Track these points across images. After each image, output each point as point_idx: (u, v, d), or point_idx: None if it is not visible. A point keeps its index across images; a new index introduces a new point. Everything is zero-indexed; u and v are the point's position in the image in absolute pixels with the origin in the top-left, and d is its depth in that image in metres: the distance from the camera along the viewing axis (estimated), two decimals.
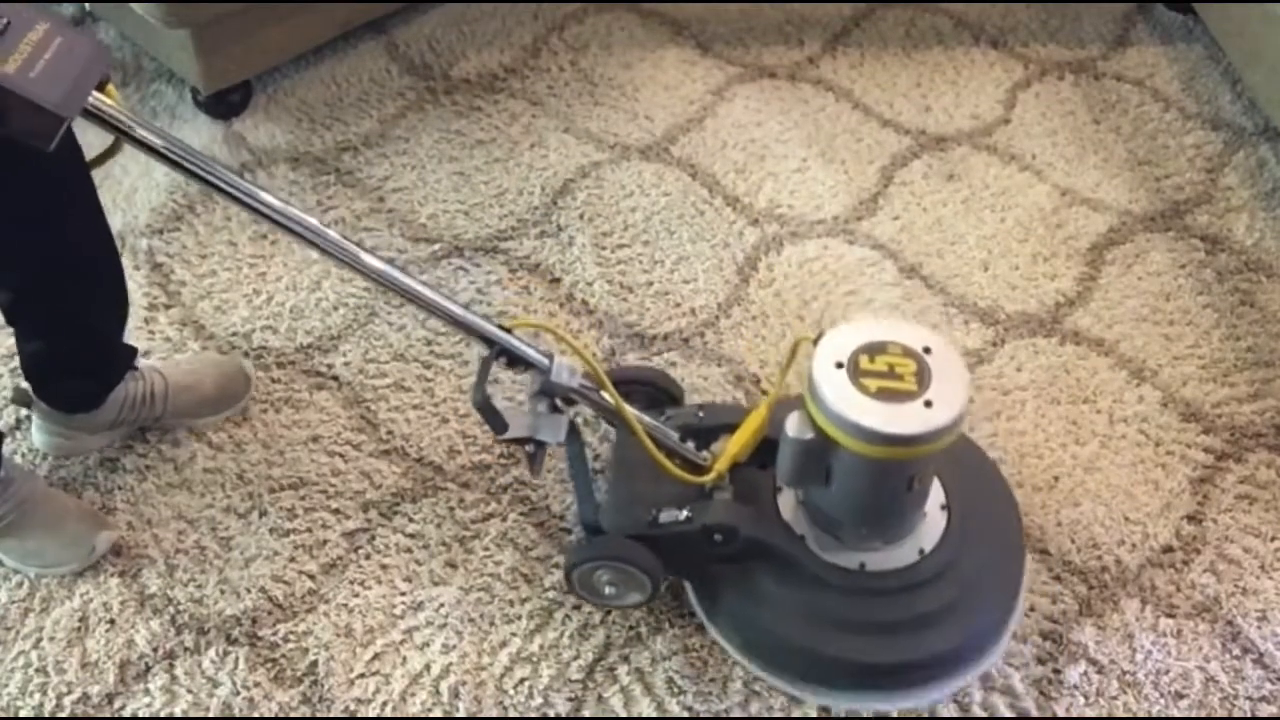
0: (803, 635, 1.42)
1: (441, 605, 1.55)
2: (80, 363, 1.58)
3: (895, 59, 2.42)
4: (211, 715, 1.45)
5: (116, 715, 1.45)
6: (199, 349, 1.84)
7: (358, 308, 1.91)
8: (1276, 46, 2.13)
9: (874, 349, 1.30)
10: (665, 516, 1.43)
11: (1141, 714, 1.47)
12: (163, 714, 1.45)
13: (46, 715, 1.45)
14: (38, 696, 1.47)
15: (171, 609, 1.54)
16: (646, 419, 1.45)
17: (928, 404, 1.26)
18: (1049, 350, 1.87)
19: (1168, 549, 1.63)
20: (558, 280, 1.96)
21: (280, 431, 1.73)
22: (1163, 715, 1.47)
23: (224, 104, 2.22)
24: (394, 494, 1.67)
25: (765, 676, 1.47)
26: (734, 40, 2.44)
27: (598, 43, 2.42)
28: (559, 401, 1.41)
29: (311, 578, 1.57)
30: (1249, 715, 1.47)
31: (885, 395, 1.27)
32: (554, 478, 1.69)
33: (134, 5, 2.00)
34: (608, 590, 1.48)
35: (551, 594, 1.57)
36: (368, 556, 1.60)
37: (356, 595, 1.56)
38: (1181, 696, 1.48)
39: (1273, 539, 1.64)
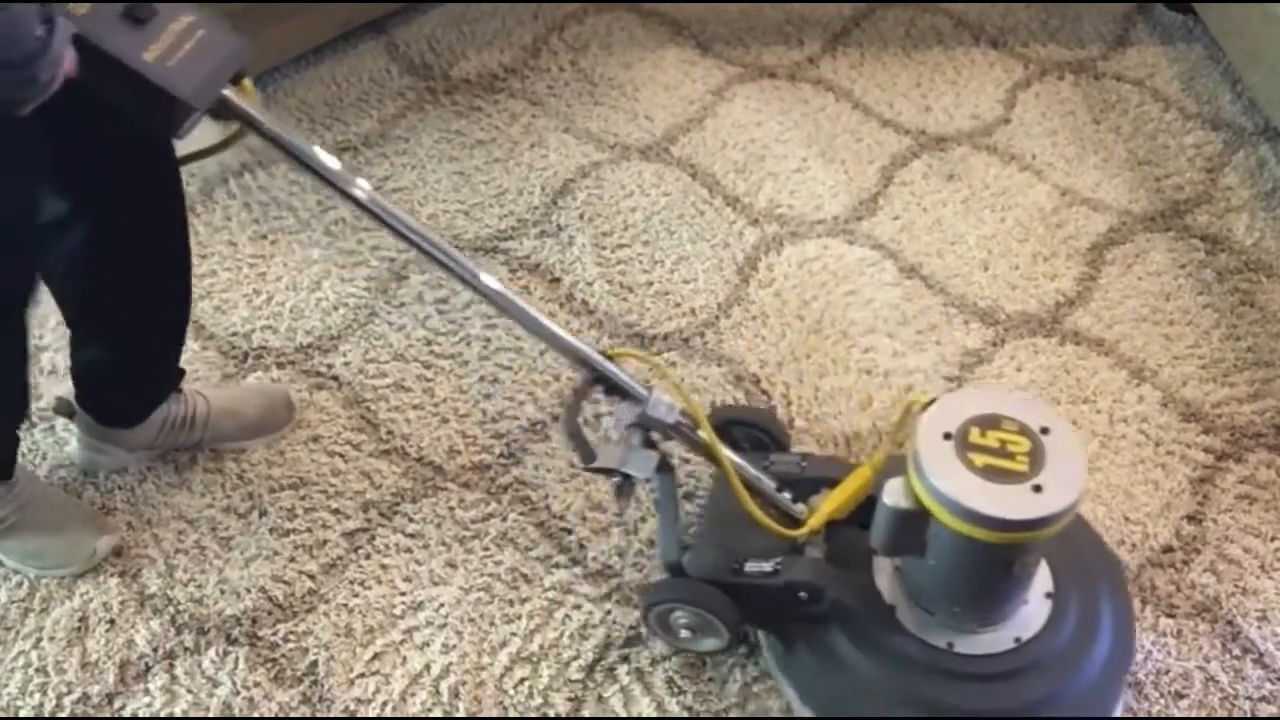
0: (877, 709, 1.34)
1: (441, 605, 1.55)
2: (131, 377, 1.58)
3: (895, 59, 2.42)
4: (211, 715, 1.45)
5: (116, 715, 1.45)
6: (199, 349, 1.84)
7: (358, 308, 1.91)
8: (1276, 46, 2.13)
9: (988, 422, 1.23)
10: (751, 567, 1.38)
11: (1142, 714, 1.46)
12: (163, 714, 1.45)
13: (46, 715, 1.45)
14: (38, 696, 1.47)
15: (171, 609, 1.54)
16: (744, 464, 1.40)
17: (1036, 488, 1.17)
18: (1049, 350, 1.87)
19: (1168, 549, 1.63)
20: (558, 280, 1.96)
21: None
22: (1163, 715, 1.47)
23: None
24: (394, 494, 1.67)
25: None
26: (734, 40, 2.45)
27: (598, 43, 2.42)
28: (652, 436, 1.36)
29: (311, 578, 1.57)
30: (1249, 715, 1.47)
31: (992, 474, 1.19)
32: (554, 477, 1.69)
33: None
34: (683, 633, 1.45)
35: (551, 594, 1.57)
36: (368, 556, 1.60)
37: (356, 595, 1.56)
38: (1181, 696, 1.48)
39: (1273, 539, 1.64)
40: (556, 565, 1.60)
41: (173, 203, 1.46)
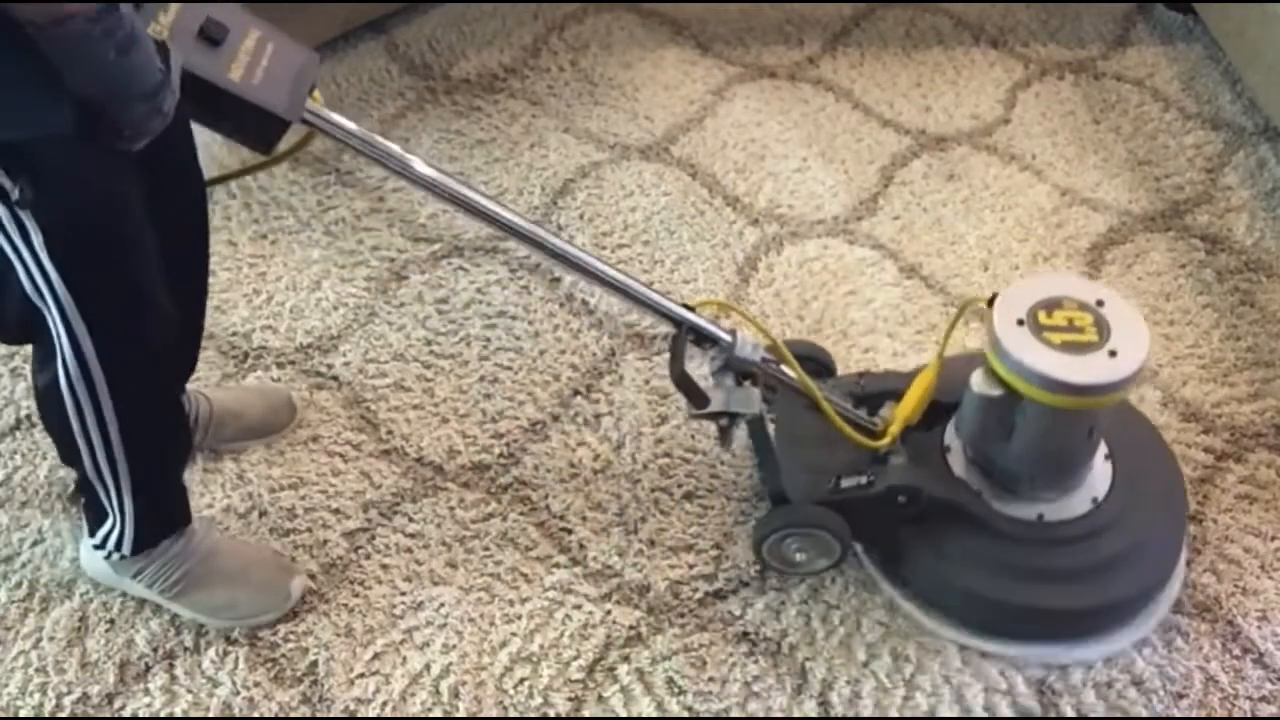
0: (989, 588, 1.45)
1: (441, 605, 1.55)
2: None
3: (895, 59, 2.42)
4: (211, 715, 1.45)
5: (116, 715, 1.45)
6: None
7: (358, 308, 1.91)
8: (1276, 46, 2.13)
9: (1051, 304, 1.36)
10: (847, 482, 1.48)
11: (1142, 714, 1.46)
12: (163, 714, 1.45)
13: (46, 715, 1.45)
14: (38, 696, 1.47)
15: (171, 609, 1.54)
16: (825, 389, 1.50)
17: (1112, 354, 1.32)
18: None
19: None
20: (558, 280, 1.96)
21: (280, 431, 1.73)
22: (1163, 715, 1.47)
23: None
24: (394, 494, 1.67)
25: (950, 634, 1.51)
26: (734, 40, 2.45)
27: (598, 43, 2.42)
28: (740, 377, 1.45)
29: (312, 577, 1.57)
30: (1249, 715, 1.47)
31: (1070, 348, 1.32)
32: (554, 477, 1.69)
33: None
34: (798, 557, 1.53)
35: (551, 594, 1.57)
36: (368, 556, 1.60)
37: (356, 595, 1.56)
38: (1181, 696, 1.48)
39: (1273, 539, 1.64)
40: (556, 565, 1.60)
41: (203, 218, 1.46)
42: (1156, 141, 2.24)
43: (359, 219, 2.06)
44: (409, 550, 1.61)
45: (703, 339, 1.45)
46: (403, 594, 1.56)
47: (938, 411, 1.50)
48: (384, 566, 1.59)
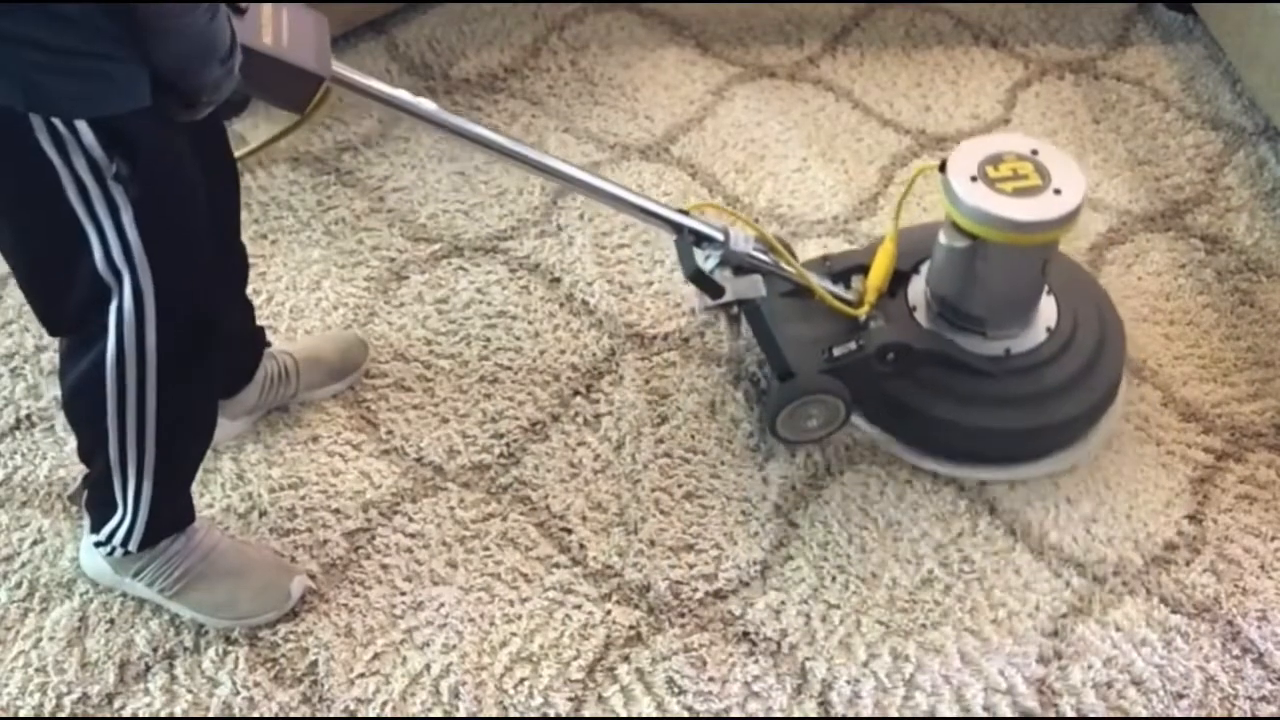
0: (980, 419, 1.64)
1: (441, 605, 1.55)
2: (236, 337, 1.59)
3: (895, 59, 2.42)
4: (211, 715, 1.45)
5: (116, 715, 1.45)
6: None
7: (357, 308, 1.91)
8: (1276, 46, 2.13)
9: (994, 160, 1.55)
10: (839, 350, 1.63)
11: (1142, 714, 1.47)
12: (163, 714, 1.45)
13: (46, 715, 1.45)
14: (38, 696, 1.47)
15: (171, 609, 1.54)
16: (805, 271, 1.65)
17: (1057, 192, 1.52)
18: None
19: (1168, 548, 1.63)
20: (558, 280, 1.96)
21: (280, 431, 1.73)
22: (1163, 715, 1.47)
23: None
24: (394, 494, 1.67)
25: (952, 471, 1.68)
26: (734, 40, 2.44)
27: (598, 43, 2.42)
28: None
29: (311, 577, 1.57)
30: (1249, 715, 1.47)
31: (1021, 193, 1.52)
32: (554, 477, 1.69)
33: None
34: (810, 424, 1.67)
35: (552, 594, 1.57)
36: (368, 556, 1.60)
37: (356, 595, 1.56)
38: (1181, 696, 1.48)
39: (1273, 539, 1.64)
40: (556, 565, 1.60)
41: (238, 200, 1.50)
42: (1156, 141, 2.24)
43: (359, 219, 2.06)
44: (409, 550, 1.61)
45: (701, 239, 1.58)
46: (403, 594, 1.56)
47: (898, 279, 1.69)
48: (384, 566, 1.59)
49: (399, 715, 1.46)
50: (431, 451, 1.73)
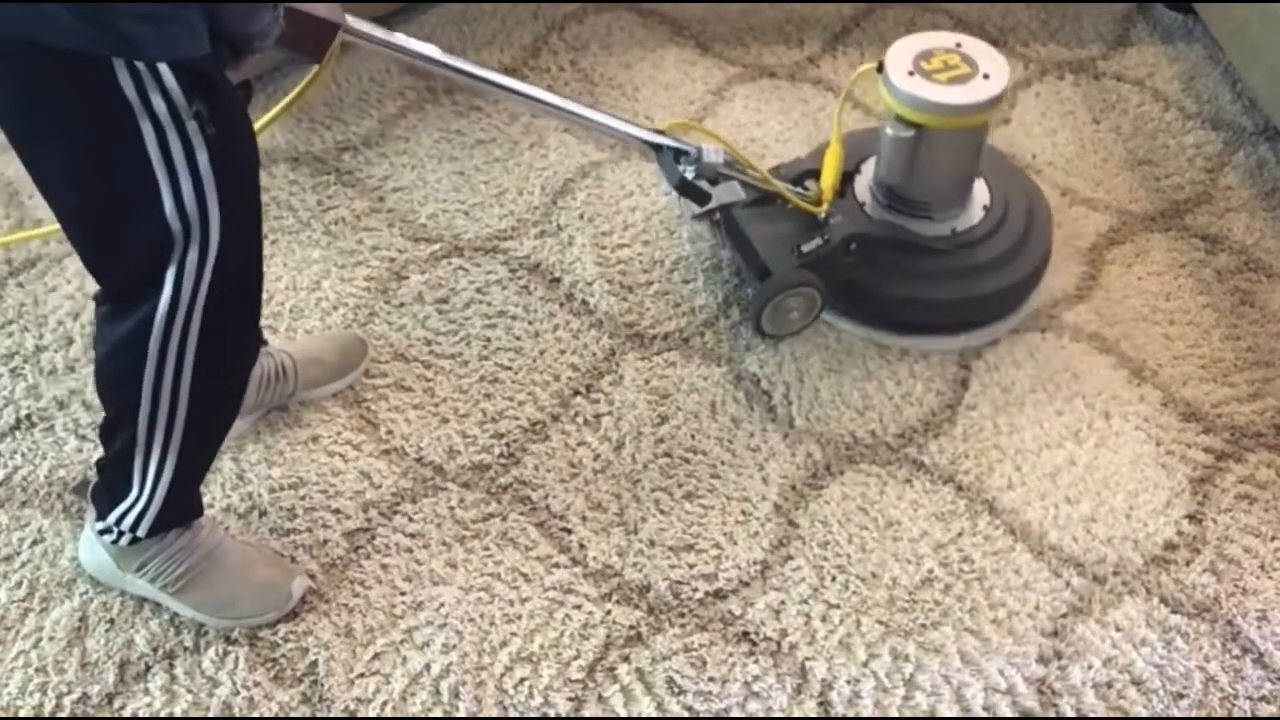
0: (937, 293, 1.82)
1: (441, 605, 1.55)
2: None
3: None
4: (211, 715, 1.45)
5: (116, 715, 1.45)
6: None
7: (357, 308, 1.91)
8: (1276, 46, 2.13)
9: (925, 55, 1.72)
10: (807, 246, 1.78)
11: (1142, 714, 1.47)
12: (163, 714, 1.45)
13: (46, 715, 1.45)
14: (38, 696, 1.47)
15: (171, 609, 1.54)
16: (769, 177, 1.81)
17: (986, 77, 1.70)
18: (1049, 349, 1.87)
19: (1168, 548, 1.63)
20: (558, 280, 1.96)
21: (280, 431, 1.73)
22: (1163, 715, 1.47)
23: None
24: (394, 494, 1.67)
25: (915, 344, 1.85)
26: (734, 40, 2.44)
27: (598, 43, 2.42)
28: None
29: (311, 578, 1.57)
30: (1249, 715, 1.47)
31: (955, 80, 1.70)
32: (554, 477, 1.69)
33: None
34: (793, 316, 1.82)
35: (552, 594, 1.57)
36: (368, 556, 1.60)
37: (356, 595, 1.56)
38: (1181, 696, 1.48)
39: (1273, 539, 1.64)
40: (556, 565, 1.60)
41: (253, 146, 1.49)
42: (1156, 141, 2.24)
43: (359, 219, 2.05)
44: (409, 550, 1.61)
45: (678, 155, 1.73)
46: (403, 594, 1.56)
47: (844, 179, 1.85)
48: (384, 566, 1.59)
49: (399, 715, 1.46)
50: (431, 451, 1.73)
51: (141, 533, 1.43)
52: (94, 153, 1.15)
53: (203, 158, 1.15)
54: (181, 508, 1.45)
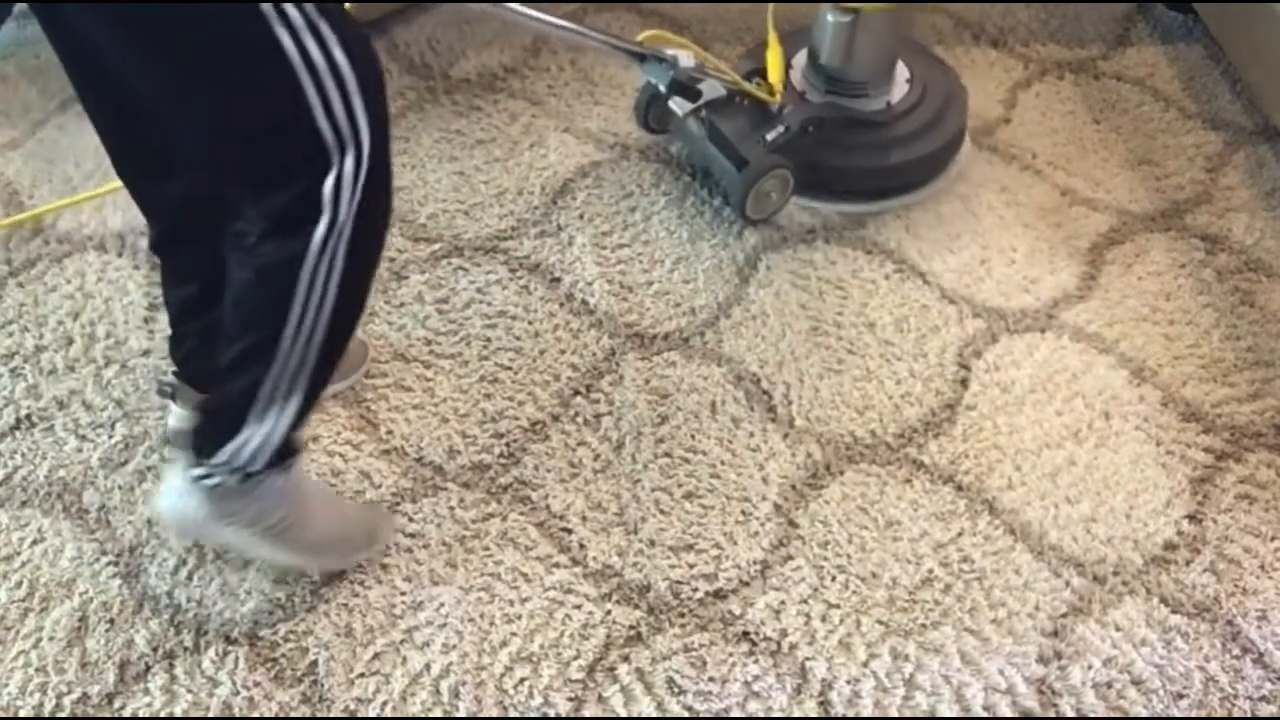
0: (885, 159, 2.05)
1: (441, 605, 1.55)
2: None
3: None
4: (211, 715, 1.46)
5: (116, 715, 1.46)
6: None
7: None
8: (1276, 46, 2.13)
9: None
10: (771, 135, 1.98)
11: (1142, 714, 1.47)
12: (163, 714, 1.46)
13: (46, 715, 1.45)
14: (38, 696, 1.47)
15: (171, 609, 1.54)
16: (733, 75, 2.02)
17: None
18: (1049, 349, 1.87)
19: (1168, 548, 1.63)
20: (558, 280, 1.97)
21: None
22: (1163, 715, 1.47)
23: None
24: (394, 494, 1.67)
25: (869, 208, 2.07)
26: (734, 40, 2.44)
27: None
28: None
29: (312, 578, 1.57)
30: (1249, 715, 1.47)
31: None
32: (554, 477, 1.69)
33: None
34: (772, 196, 2.02)
35: (552, 594, 1.57)
36: (368, 557, 1.60)
37: (356, 595, 1.56)
38: (1181, 696, 1.48)
39: (1273, 539, 1.64)
40: (556, 565, 1.60)
41: None
42: (1156, 141, 2.24)
43: None
44: (409, 550, 1.61)
45: (660, 62, 1.91)
46: (403, 594, 1.57)
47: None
48: (384, 566, 1.59)
49: (399, 715, 1.46)
50: (431, 451, 1.73)
51: (258, 466, 1.37)
52: (239, 75, 1.12)
53: (341, 58, 1.12)
54: (294, 441, 1.40)
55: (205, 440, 1.38)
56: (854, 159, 2.06)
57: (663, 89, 1.94)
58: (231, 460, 1.36)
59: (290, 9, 1.09)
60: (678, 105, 2.04)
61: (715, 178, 2.08)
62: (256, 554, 1.52)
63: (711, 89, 2.01)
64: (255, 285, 1.26)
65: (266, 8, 1.08)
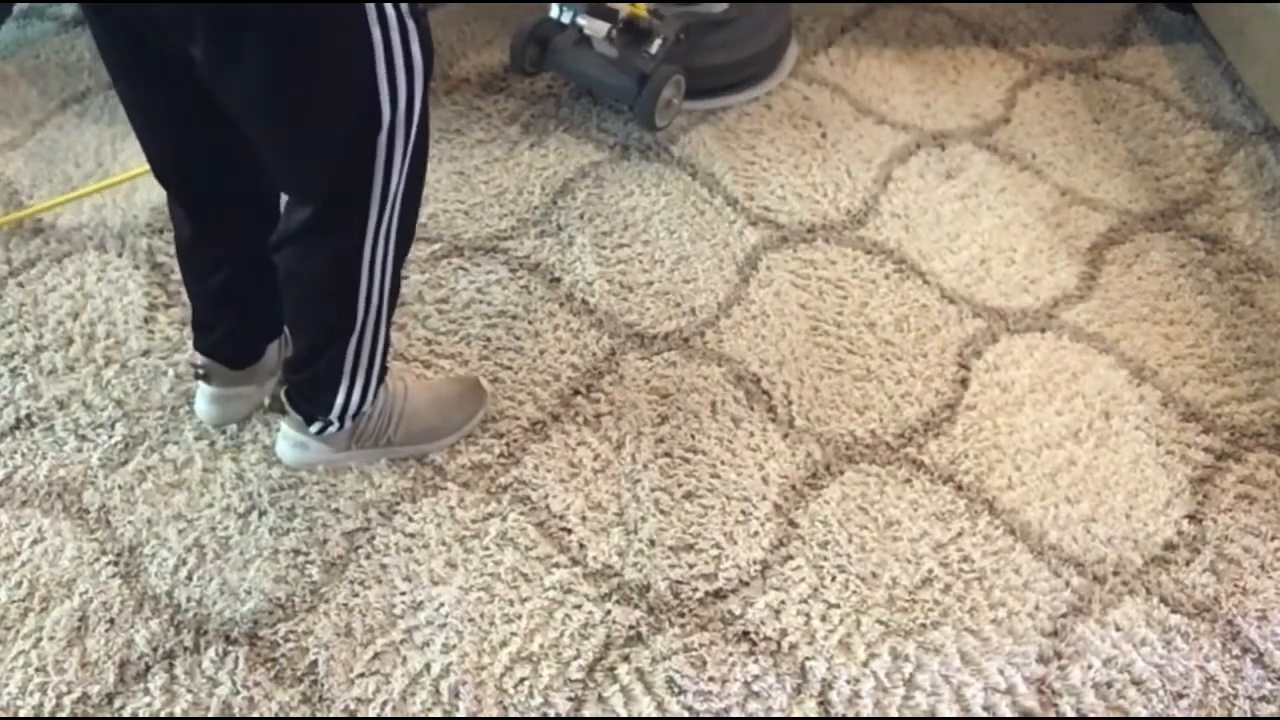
0: (739, 53, 2.28)
1: (441, 605, 1.55)
2: (261, 290, 1.56)
3: (895, 58, 2.42)
4: (211, 715, 1.46)
5: (116, 715, 1.46)
6: None
7: None
8: (1276, 46, 2.13)
9: None
10: (653, 49, 2.15)
11: (1142, 714, 1.47)
12: (163, 714, 1.45)
13: (46, 715, 1.45)
14: (38, 696, 1.47)
15: (171, 609, 1.55)
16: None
17: None
18: (1049, 349, 1.87)
19: (1168, 548, 1.63)
20: (558, 280, 1.96)
21: (280, 431, 1.73)
22: (1163, 715, 1.47)
23: None
24: (394, 494, 1.67)
25: (735, 99, 2.31)
26: None
27: None
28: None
29: (312, 578, 1.57)
30: (1249, 715, 1.47)
31: None
32: (554, 477, 1.69)
33: None
34: (673, 101, 2.20)
35: (551, 594, 1.57)
36: (367, 556, 1.60)
37: (356, 595, 1.56)
38: (1181, 696, 1.48)
39: (1273, 539, 1.64)
40: (556, 565, 1.60)
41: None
42: (1156, 141, 2.24)
43: None
44: (408, 550, 1.61)
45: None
46: (402, 594, 1.57)
47: None
48: (383, 566, 1.59)
49: (399, 715, 1.46)
50: (431, 451, 1.73)
51: (367, 407, 1.57)
52: (329, 73, 1.17)
53: (417, 52, 1.19)
54: (385, 368, 1.57)
55: (309, 407, 1.57)
56: (718, 56, 2.26)
57: (613, 25, 2.15)
58: (341, 414, 1.56)
59: (389, 9, 1.14)
60: (591, 28, 2.19)
61: (612, 99, 2.25)
62: (384, 459, 1.67)
63: (591, 24, 2.19)
64: (329, 272, 1.38)
65: (369, 7, 1.13)
